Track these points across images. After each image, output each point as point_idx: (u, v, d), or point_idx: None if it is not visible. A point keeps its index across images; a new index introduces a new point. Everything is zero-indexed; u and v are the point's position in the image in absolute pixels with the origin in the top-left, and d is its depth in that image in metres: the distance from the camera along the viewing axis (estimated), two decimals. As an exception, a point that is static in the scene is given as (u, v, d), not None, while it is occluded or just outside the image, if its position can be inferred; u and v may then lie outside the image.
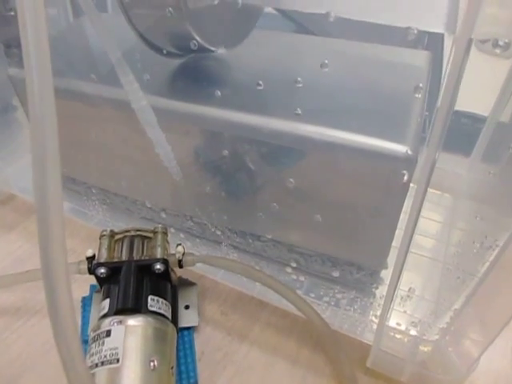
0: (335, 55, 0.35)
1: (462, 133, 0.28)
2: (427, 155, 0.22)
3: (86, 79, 0.38)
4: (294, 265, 0.40)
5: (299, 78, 0.29)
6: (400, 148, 0.29)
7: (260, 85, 0.30)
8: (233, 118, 0.32)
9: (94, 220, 0.50)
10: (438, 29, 0.21)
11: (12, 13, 0.42)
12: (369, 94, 0.34)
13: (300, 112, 0.30)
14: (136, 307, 0.33)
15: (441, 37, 0.42)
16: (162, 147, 0.34)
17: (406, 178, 0.30)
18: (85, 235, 0.48)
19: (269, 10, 0.52)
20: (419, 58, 0.38)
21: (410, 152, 0.29)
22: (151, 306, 0.33)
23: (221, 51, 0.36)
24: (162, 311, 0.34)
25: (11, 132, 0.52)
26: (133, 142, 0.39)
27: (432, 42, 0.41)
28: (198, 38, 0.33)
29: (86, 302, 0.40)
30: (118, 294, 0.33)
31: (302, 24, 0.51)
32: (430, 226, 0.45)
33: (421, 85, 0.27)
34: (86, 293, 0.41)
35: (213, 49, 0.35)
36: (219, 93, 0.32)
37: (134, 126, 0.35)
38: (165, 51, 0.35)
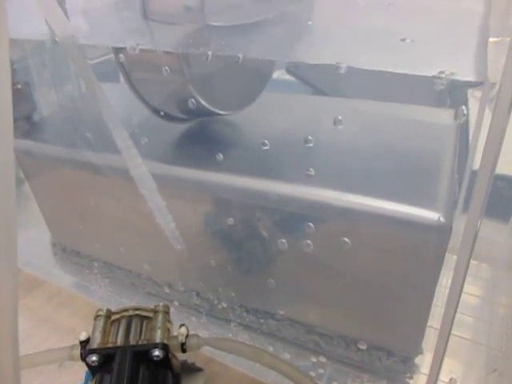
0: (353, 114, 0.33)
1: (498, 197, 0.25)
2: (467, 227, 0.19)
3: (90, 149, 0.37)
4: (313, 347, 0.36)
5: (310, 137, 0.26)
6: (431, 215, 0.26)
7: (266, 144, 0.28)
8: (238, 183, 0.30)
9: (97, 295, 0.47)
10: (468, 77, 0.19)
11: (19, 86, 0.43)
12: (392, 154, 0.32)
13: (313, 173, 0.27)
14: (129, 405, 0.28)
15: (464, 96, 0.40)
16: (162, 216, 0.32)
17: (439, 248, 0.26)
18: (86, 312, 0.45)
19: (286, 76, 0.52)
20: (444, 117, 0.36)
21: (442, 219, 0.26)
22: (147, 401, 0.29)
23: (228, 114, 0.35)
24: (159, 408, 0.29)
25: (18, 205, 0.51)
26: (135, 212, 0.37)
27: (455, 102, 0.39)
28: (203, 103, 0.31)
29: (79, 392, 0.36)
30: (109, 388, 0.29)
31: (319, 88, 0.50)
32: (467, 300, 0.41)
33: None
34: (82, 380, 0.37)
35: (220, 113, 0.34)
36: (222, 156, 0.30)
37: (136, 195, 0.33)
38: (162, 112, 0.34)
